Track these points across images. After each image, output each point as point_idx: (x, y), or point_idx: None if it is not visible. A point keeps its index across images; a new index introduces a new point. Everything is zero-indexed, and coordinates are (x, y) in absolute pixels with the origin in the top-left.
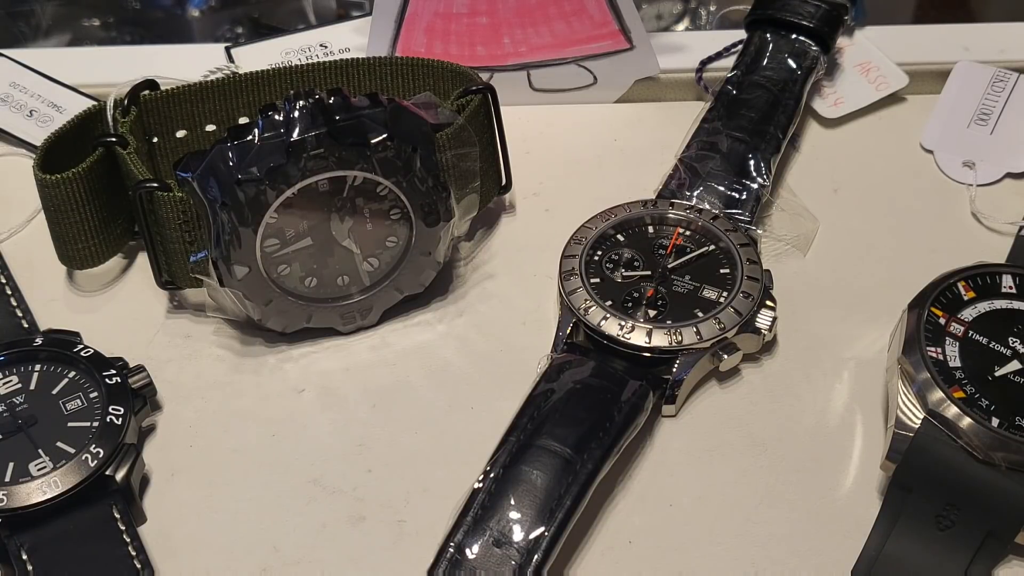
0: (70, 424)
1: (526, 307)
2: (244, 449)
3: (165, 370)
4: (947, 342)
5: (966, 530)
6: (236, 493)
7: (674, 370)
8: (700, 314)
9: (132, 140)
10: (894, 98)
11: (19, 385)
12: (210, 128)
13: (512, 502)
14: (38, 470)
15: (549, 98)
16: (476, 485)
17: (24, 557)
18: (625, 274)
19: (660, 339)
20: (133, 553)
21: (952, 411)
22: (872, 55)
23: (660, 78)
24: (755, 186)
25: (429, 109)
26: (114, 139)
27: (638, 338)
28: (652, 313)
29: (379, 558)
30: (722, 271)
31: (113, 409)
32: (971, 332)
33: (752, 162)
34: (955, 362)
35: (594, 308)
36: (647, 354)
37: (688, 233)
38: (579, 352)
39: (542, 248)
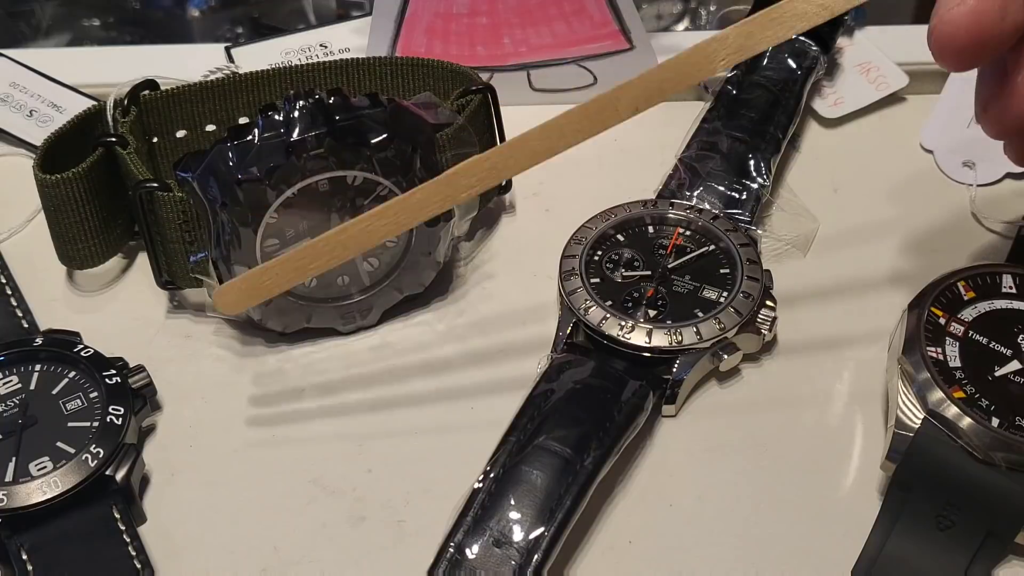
0: (70, 424)
1: (526, 307)
2: (244, 449)
3: (165, 370)
4: (947, 342)
5: (966, 530)
6: (236, 493)
7: (674, 370)
8: (700, 314)
9: (132, 140)
10: (894, 98)
11: (19, 385)
12: (210, 128)
13: (512, 502)
14: (38, 470)
15: (549, 98)
16: (476, 485)
17: (24, 557)
18: (625, 274)
19: (660, 339)
20: (133, 553)
21: (952, 411)
22: (872, 55)
23: None
24: (755, 186)
25: (429, 109)
26: (114, 139)
27: (638, 338)
28: (652, 313)
29: (379, 558)
30: (722, 271)
31: (113, 409)
32: (971, 332)
33: (752, 162)
34: (955, 362)
35: (594, 308)
36: (647, 354)
37: (688, 233)
38: (579, 352)
39: (542, 248)
